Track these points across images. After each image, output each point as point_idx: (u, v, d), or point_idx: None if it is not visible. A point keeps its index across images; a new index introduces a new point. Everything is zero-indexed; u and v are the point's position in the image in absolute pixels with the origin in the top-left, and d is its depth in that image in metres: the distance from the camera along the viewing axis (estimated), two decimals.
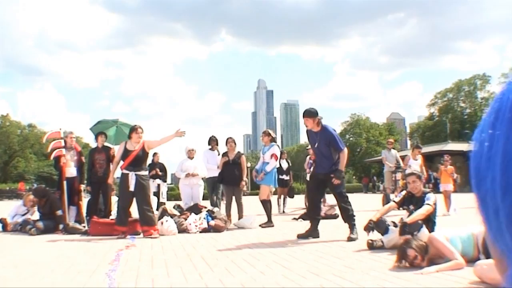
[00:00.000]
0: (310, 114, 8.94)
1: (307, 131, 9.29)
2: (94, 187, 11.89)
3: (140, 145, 9.97)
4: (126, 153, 9.92)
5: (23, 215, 11.88)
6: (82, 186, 12.05)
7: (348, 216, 8.83)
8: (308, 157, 16.98)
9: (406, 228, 6.60)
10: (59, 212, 11.09)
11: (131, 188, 9.71)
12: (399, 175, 17.10)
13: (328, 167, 8.90)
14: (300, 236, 8.88)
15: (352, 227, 8.66)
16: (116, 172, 10.51)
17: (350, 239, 8.38)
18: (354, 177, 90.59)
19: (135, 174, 9.76)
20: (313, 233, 8.79)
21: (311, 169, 15.77)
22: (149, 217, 9.80)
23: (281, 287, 4.69)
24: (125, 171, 9.87)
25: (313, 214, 9.36)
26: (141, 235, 9.85)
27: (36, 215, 11.86)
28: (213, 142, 13.38)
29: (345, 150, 8.92)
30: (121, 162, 9.98)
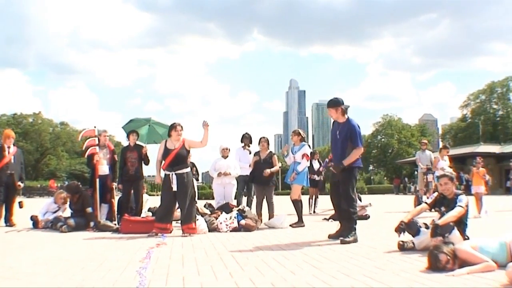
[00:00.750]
0: (333, 103, 8.77)
1: (333, 123, 9.14)
2: (125, 185, 11.93)
3: (180, 143, 9.99)
4: (166, 152, 9.96)
5: (54, 212, 12.00)
6: (114, 184, 12.11)
7: (348, 218, 8.66)
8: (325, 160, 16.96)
9: (438, 230, 6.53)
10: (89, 210, 11.15)
11: (174, 187, 9.76)
12: (430, 177, 16.96)
13: (337, 160, 8.77)
14: (331, 237, 8.77)
15: (349, 229, 8.49)
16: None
17: (343, 242, 8.23)
18: (385, 178, 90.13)
19: (176, 174, 9.81)
20: (343, 233, 8.67)
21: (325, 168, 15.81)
22: (190, 215, 9.87)
23: (312, 287, 4.66)
24: (167, 172, 9.92)
25: (339, 215, 9.26)
26: (172, 233, 9.90)
27: (67, 212, 11.96)
28: (246, 139, 13.35)
29: (361, 148, 8.63)
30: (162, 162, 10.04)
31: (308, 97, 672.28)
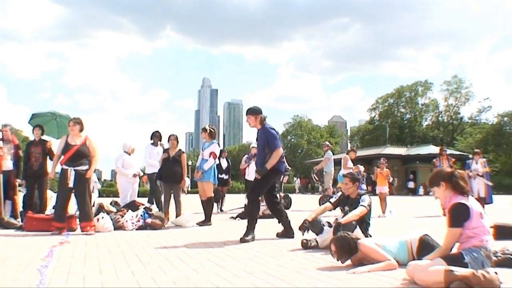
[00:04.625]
0: (252, 111, 8.93)
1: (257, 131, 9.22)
2: (29, 181, 11.70)
3: (82, 140, 9.89)
4: (66, 147, 9.82)
5: None
6: (18, 181, 11.85)
7: (249, 217, 8.85)
8: (245, 156, 17.08)
9: (340, 229, 6.71)
10: None
11: (71, 184, 9.63)
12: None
13: (259, 165, 8.88)
14: (279, 235, 8.89)
15: (248, 228, 8.63)
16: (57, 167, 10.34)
17: (243, 241, 8.39)
18: (294, 178, 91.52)
19: (74, 170, 9.68)
20: (283, 232, 8.86)
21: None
22: (87, 213, 9.74)
23: (214, 286, 4.73)
24: (65, 167, 9.76)
25: (274, 214, 9.33)
26: (77, 231, 9.80)
27: None
28: (156, 137, 13.37)
29: (279, 149, 8.70)
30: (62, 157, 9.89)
31: (220, 96, 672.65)
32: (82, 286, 4.70)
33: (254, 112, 8.95)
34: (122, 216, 10.68)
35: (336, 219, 7.34)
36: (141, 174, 12.56)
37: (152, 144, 13.29)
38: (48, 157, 11.78)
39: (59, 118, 13.29)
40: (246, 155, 17.08)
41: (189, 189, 37.56)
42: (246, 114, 9.03)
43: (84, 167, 9.81)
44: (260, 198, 9.11)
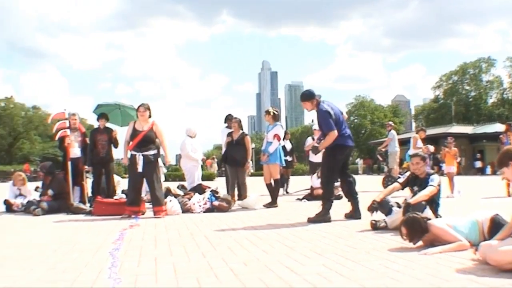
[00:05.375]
0: (305, 97, 8.82)
1: None
2: (96, 167, 11.91)
3: (149, 125, 9.98)
4: (134, 133, 9.93)
5: (19, 195, 11.97)
6: (85, 167, 12.04)
7: (323, 198, 8.72)
8: (309, 137, 16.97)
9: (410, 209, 6.56)
10: (50, 192, 11.15)
11: (140, 169, 9.74)
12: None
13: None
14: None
15: (324, 209, 8.50)
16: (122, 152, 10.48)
17: (310, 221, 8.34)
18: (358, 158, 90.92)
19: (143, 155, 9.78)
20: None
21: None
22: (158, 198, 9.85)
23: (284, 266, 4.68)
24: (133, 152, 9.87)
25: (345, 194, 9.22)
26: (145, 214, 9.91)
27: (35, 194, 11.92)
28: (229, 120, 13.34)
29: (333, 131, 8.41)
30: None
31: (280, 78, 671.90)
32: (154, 268, 4.71)
33: (307, 97, 8.83)
34: (189, 199, 10.75)
35: (405, 199, 7.18)
36: (205, 158, 12.61)
37: (226, 127, 13.26)
38: (112, 145, 11.95)
39: (123, 108, 13.47)
40: (310, 137, 16.96)
41: (253, 171, 37.61)
42: (301, 101, 8.91)
43: (152, 152, 9.89)
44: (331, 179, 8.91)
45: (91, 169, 12.09)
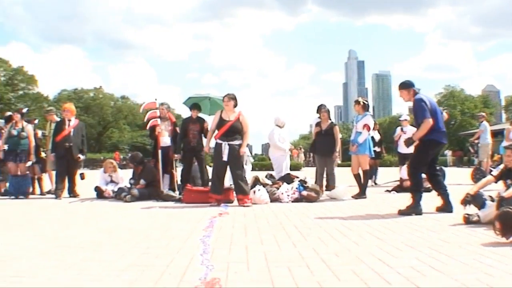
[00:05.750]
0: (404, 85, 8.64)
1: None
2: (187, 156, 12.03)
3: (235, 115, 10.03)
4: (221, 122, 9.99)
5: (110, 182, 12.27)
6: (175, 156, 12.18)
7: (412, 190, 8.45)
8: (398, 128, 16.67)
9: (504, 203, 6.32)
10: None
11: (225, 157, 9.78)
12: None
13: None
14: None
15: (415, 201, 8.25)
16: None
17: (401, 213, 8.14)
18: (447, 150, 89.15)
19: (228, 144, 9.83)
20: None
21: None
22: (242, 186, 9.86)
23: (376, 258, 4.58)
24: (219, 141, 9.94)
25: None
26: (234, 203, 9.95)
27: (126, 181, 12.16)
28: (320, 111, 13.20)
29: (427, 120, 8.12)
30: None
31: (368, 67, 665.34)
32: (245, 256, 4.69)
33: (405, 86, 8.64)
34: (278, 189, 10.73)
35: (499, 193, 6.93)
36: (293, 147, 12.56)
37: (319, 117, 13.12)
38: (203, 135, 12.04)
39: (212, 99, 13.58)
40: (399, 127, 16.66)
41: (339, 162, 37.37)
42: (399, 89, 8.72)
43: (238, 142, 9.93)
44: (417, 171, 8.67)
45: (179, 157, 12.22)
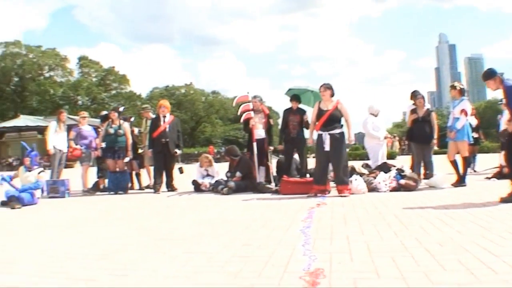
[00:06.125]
0: (487, 76, 8.31)
1: None
2: (288, 147, 12.04)
3: (333, 104, 9.98)
4: (320, 113, 9.98)
5: (206, 176, 12.41)
6: (270, 148, 12.21)
7: (510, 175, 8.12)
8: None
9: None
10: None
11: (326, 147, 9.73)
12: None
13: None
14: (504, 200, 7.93)
15: None
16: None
17: (503, 200, 7.75)
18: None
19: (329, 134, 9.78)
20: None
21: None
22: (342, 177, 9.81)
23: (481, 247, 4.44)
24: (320, 132, 9.94)
25: None
26: (331, 194, 9.89)
27: (221, 174, 12.29)
28: (414, 97, 12.92)
29: None
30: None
31: (459, 51, 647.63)
32: (347, 246, 4.64)
33: (489, 75, 8.28)
34: (375, 178, 10.60)
35: None
36: (389, 135, 12.37)
37: (413, 104, 12.87)
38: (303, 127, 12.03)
39: (315, 91, 13.54)
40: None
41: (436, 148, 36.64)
42: (483, 80, 8.40)
43: (338, 131, 9.88)
44: None
45: (272, 149, 12.27)
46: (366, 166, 12.04)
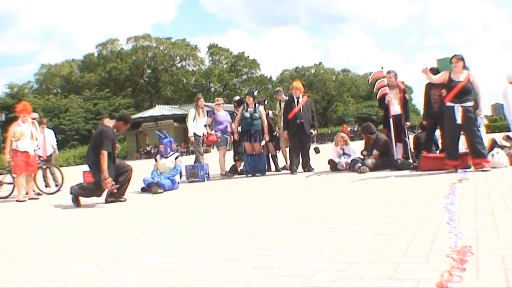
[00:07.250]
0: None
1: None
2: (429, 121, 11.78)
3: (465, 76, 9.66)
4: (451, 84, 9.68)
5: (343, 154, 12.50)
6: (407, 123, 12.05)
7: None
8: None
9: None
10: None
11: (458, 120, 9.46)
12: None
13: None
14: None
15: None
16: None
17: None
18: None
19: (461, 106, 9.49)
20: None
21: None
22: (477, 149, 9.49)
23: None
24: (450, 104, 9.61)
25: None
26: (472, 168, 9.62)
27: (357, 153, 12.26)
28: None
29: None
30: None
31: None
32: (493, 223, 4.52)
33: None
34: None
35: None
36: None
37: None
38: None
39: (441, 60, 13.18)
40: None
41: None
42: None
43: (470, 103, 9.54)
44: None
45: (410, 124, 12.09)
46: (508, 138, 11.59)
